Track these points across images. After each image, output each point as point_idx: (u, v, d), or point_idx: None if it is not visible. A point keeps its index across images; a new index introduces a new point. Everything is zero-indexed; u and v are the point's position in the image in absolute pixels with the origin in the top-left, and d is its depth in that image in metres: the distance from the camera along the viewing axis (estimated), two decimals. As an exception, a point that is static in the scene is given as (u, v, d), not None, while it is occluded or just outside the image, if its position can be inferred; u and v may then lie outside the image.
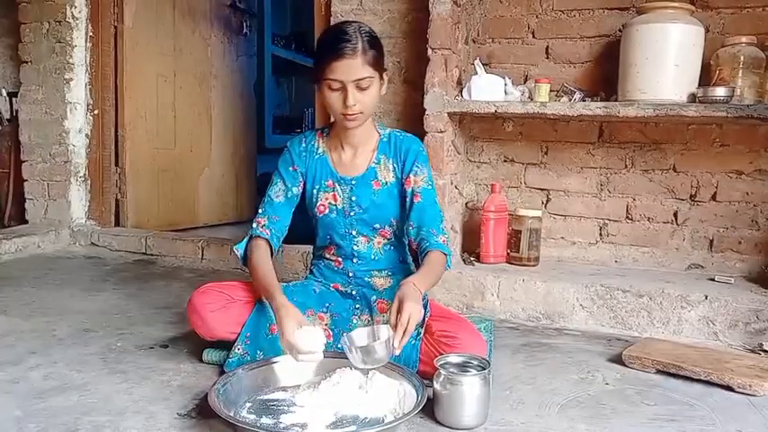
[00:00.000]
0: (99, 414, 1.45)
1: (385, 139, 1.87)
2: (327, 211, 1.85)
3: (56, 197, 3.56)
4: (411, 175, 1.82)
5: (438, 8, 2.42)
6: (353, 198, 1.83)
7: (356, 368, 1.50)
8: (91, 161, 3.60)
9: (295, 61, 5.83)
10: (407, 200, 1.82)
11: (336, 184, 1.85)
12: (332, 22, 2.79)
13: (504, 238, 2.57)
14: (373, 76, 1.69)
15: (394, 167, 1.84)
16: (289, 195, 1.85)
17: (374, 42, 1.71)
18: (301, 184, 1.87)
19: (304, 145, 1.88)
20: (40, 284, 2.67)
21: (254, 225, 1.83)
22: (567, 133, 2.63)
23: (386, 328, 1.51)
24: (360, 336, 1.55)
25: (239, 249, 1.84)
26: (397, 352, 1.48)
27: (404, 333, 1.46)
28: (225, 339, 1.72)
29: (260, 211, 1.85)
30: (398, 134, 1.89)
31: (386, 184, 1.84)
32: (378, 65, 1.71)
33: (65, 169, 3.54)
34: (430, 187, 1.83)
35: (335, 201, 1.84)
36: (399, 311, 1.48)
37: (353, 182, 1.84)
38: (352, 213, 1.84)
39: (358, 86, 1.67)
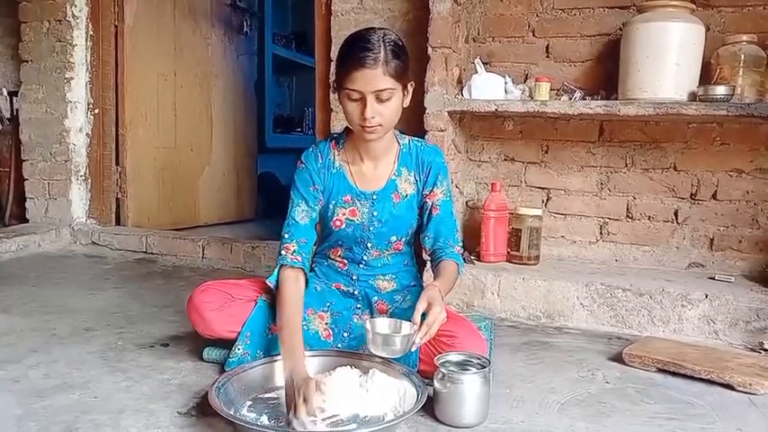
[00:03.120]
0: (99, 412, 1.45)
1: (405, 150, 1.82)
2: (344, 225, 1.80)
3: (56, 196, 3.57)
4: (433, 189, 1.80)
5: (438, 7, 2.42)
6: (375, 213, 1.79)
7: (370, 353, 1.56)
8: (91, 160, 3.60)
9: (296, 60, 5.83)
10: (426, 211, 1.81)
11: (356, 199, 1.79)
12: (332, 21, 2.79)
13: (504, 236, 2.57)
14: (395, 88, 1.61)
15: (415, 180, 1.81)
16: (313, 216, 1.78)
17: (398, 52, 1.62)
18: (320, 202, 1.81)
19: (321, 161, 1.80)
20: (40, 283, 2.67)
21: (284, 252, 1.71)
22: (568, 132, 2.62)
23: (408, 325, 1.54)
24: (382, 325, 1.60)
25: (272, 282, 1.73)
26: (414, 348, 1.51)
27: (425, 334, 1.49)
28: (225, 338, 1.72)
29: (286, 236, 1.75)
30: (419, 144, 1.84)
31: (405, 196, 1.80)
32: (401, 76, 1.62)
33: (65, 168, 3.54)
34: (448, 199, 1.83)
35: (354, 216, 1.79)
36: (427, 311, 1.50)
37: (374, 196, 1.79)
38: (371, 228, 1.80)
39: (378, 98, 1.59)
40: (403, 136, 1.86)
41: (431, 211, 1.80)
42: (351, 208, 1.79)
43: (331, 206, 1.80)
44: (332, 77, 1.75)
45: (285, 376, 1.45)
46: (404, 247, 1.88)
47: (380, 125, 1.64)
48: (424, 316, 1.52)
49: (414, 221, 1.84)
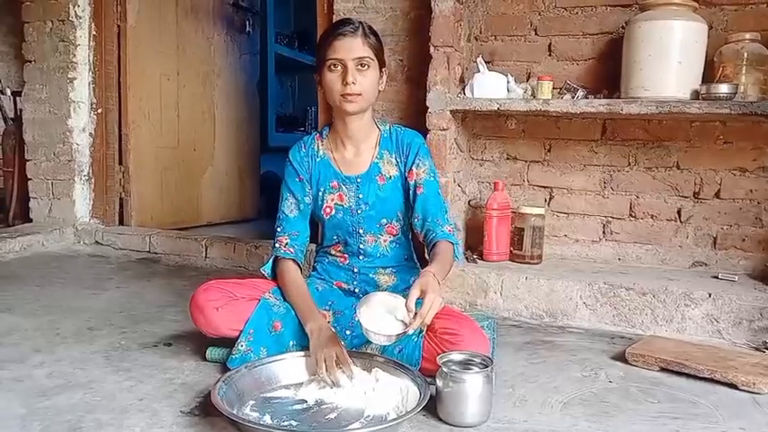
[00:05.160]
0: (102, 412, 1.45)
1: (386, 135, 1.89)
2: (334, 212, 1.86)
3: (60, 196, 3.58)
4: (414, 168, 1.84)
5: (440, 6, 2.42)
6: (360, 196, 1.85)
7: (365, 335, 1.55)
8: (95, 160, 3.61)
9: (298, 60, 5.83)
10: (411, 192, 1.84)
11: (341, 184, 1.86)
12: (334, 20, 2.78)
13: (507, 235, 2.56)
14: (373, 59, 1.75)
15: (397, 161, 1.87)
16: (301, 207, 1.87)
17: (374, 32, 1.78)
18: (310, 192, 1.89)
19: (304, 150, 1.90)
20: (44, 283, 2.68)
21: (277, 245, 1.85)
22: (570, 131, 2.62)
23: (403, 307, 1.51)
24: (378, 306, 1.56)
25: (266, 271, 1.87)
26: (410, 331, 1.51)
27: (420, 323, 1.48)
28: (228, 336, 1.73)
29: (278, 229, 1.87)
30: (399, 129, 1.91)
31: (390, 177, 1.86)
32: (378, 52, 1.77)
33: (69, 168, 3.55)
34: (432, 179, 1.85)
35: (342, 200, 1.86)
36: (422, 297, 1.48)
37: (359, 180, 1.85)
38: (359, 211, 1.85)
39: (358, 66, 1.72)
40: (384, 122, 1.94)
41: (415, 191, 1.83)
42: (338, 193, 1.86)
43: (320, 194, 1.87)
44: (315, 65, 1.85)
45: (310, 331, 1.63)
46: (399, 234, 1.90)
47: (360, 94, 1.74)
48: (419, 302, 1.51)
49: (401, 203, 1.87)
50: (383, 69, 1.81)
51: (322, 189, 1.87)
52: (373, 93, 1.80)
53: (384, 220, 1.87)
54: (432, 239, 1.77)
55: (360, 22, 1.76)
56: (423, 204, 1.81)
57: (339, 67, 1.73)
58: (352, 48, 1.71)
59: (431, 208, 1.81)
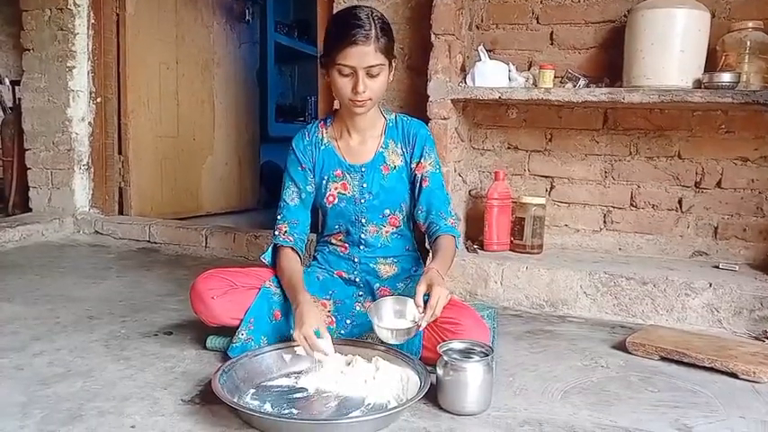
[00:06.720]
0: (103, 400, 1.45)
1: (391, 124, 1.87)
2: (337, 200, 1.85)
3: (59, 185, 3.57)
4: (421, 161, 1.83)
5: (442, -7, 2.40)
6: (364, 185, 1.83)
7: (380, 340, 1.57)
8: (94, 149, 3.60)
9: (298, 49, 5.80)
10: (416, 185, 1.84)
11: (346, 173, 1.85)
12: (335, 9, 2.76)
13: (507, 225, 2.56)
14: (384, 64, 1.69)
15: (402, 152, 1.86)
16: (303, 196, 1.86)
17: (386, 29, 1.70)
18: (313, 181, 1.87)
19: (308, 139, 1.88)
20: (44, 272, 2.68)
21: (276, 233, 1.84)
22: (572, 120, 2.61)
23: (412, 305, 1.55)
24: (386, 309, 1.60)
25: (266, 259, 1.86)
26: (424, 324, 1.52)
27: (431, 315, 1.50)
28: (228, 325, 1.73)
29: (278, 217, 1.86)
30: (405, 118, 1.90)
31: (394, 168, 1.85)
32: (389, 52, 1.71)
33: (68, 157, 3.54)
34: (437, 171, 1.85)
35: (345, 189, 1.84)
36: (428, 293, 1.52)
37: (363, 169, 1.84)
38: (362, 201, 1.84)
39: (369, 73, 1.67)
40: (389, 111, 1.92)
41: (421, 183, 1.83)
42: (342, 182, 1.85)
43: (324, 181, 1.86)
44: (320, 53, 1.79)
45: (294, 308, 1.62)
46: (402, 225, 1.89)
47: (370, 99, 1.71)
48: (426, 297, 1.53)
49: (406, 194, 1.86)
50: (393, 61, 1.76)
51: (326, 177, 1.85)
52: (383, 92, 1.77)
53: (387, 211, 1.86)
54: (434, 232, 1.78)
55: (371, 22, 1.65)
56: (427, 197, 1.82)
57: (349, 74, 1.67)
58: (364, 57, 1.64)
59: (435, 201, 1.81)
